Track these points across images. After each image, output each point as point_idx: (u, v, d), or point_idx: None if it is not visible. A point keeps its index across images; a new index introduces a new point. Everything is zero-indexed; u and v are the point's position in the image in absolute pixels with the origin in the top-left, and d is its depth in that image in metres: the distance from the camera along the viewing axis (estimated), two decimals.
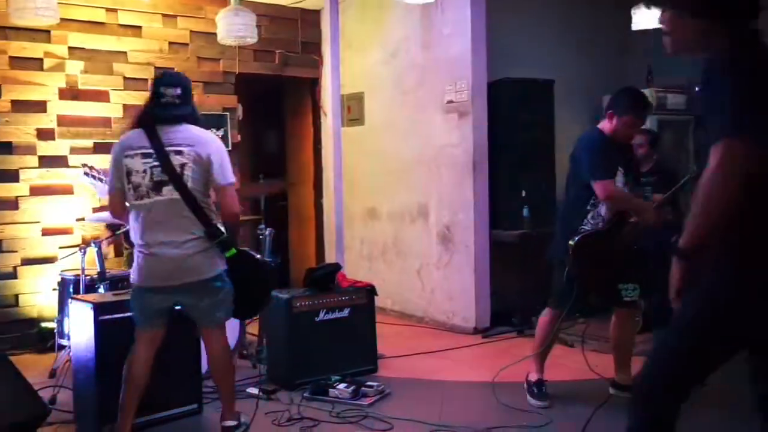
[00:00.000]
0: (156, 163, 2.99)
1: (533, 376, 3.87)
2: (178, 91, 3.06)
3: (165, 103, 3.05)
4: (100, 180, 3.93)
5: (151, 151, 3.00)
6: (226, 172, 3.06)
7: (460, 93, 5.47)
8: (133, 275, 3.10)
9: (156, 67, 5.65)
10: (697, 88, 1.97)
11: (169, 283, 3.02)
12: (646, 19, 5.07)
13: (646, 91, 6.08)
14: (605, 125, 3.72)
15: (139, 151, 3.01)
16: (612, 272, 3.66)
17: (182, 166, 2.99)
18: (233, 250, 3.10)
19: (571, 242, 3.57)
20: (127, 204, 3.08)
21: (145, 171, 2.99)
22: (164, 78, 3.19)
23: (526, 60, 5.83)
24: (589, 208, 3.64)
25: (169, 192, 2.98)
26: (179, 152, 3.00)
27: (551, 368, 3.96)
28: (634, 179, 3.84)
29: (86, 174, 4.06)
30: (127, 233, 3.30)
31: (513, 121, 5.57)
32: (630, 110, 3.62)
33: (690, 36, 2.04)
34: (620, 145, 3.71)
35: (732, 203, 1.79)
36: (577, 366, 4.00)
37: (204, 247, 3.03)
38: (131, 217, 3.08)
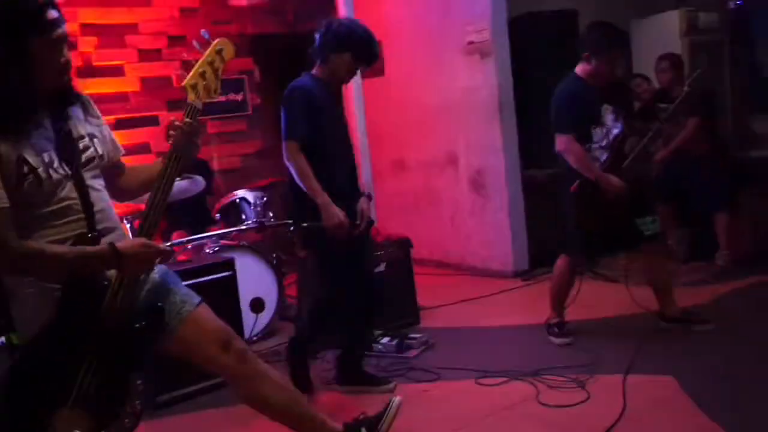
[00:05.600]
0: None
1: (554, 320, 3.84)
2: None
3: None
4: None
5: None
6: None
7: (481, 32, 5.28)
8: None
9: (169, 36, 5.58)
10: None
11: None
12: None
13: (676, 12, 5.86)
14: (583, 69, 3.61)
15: None
16: (621, 210, 3.54)
17: None
18: None
19: (571, 188, 3.53)
20: None
21: None
22: None
23: None
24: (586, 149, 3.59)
25: None
26: None
27: (596, 306, 3.90)
28: (636, 113, 3.74)
29: None
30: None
31: (538, 58, 5.37)
32: (607, 48, 3.55)
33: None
34: (605, 86, 3.60)
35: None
36: (623, 301, 3.95)
37: None
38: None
